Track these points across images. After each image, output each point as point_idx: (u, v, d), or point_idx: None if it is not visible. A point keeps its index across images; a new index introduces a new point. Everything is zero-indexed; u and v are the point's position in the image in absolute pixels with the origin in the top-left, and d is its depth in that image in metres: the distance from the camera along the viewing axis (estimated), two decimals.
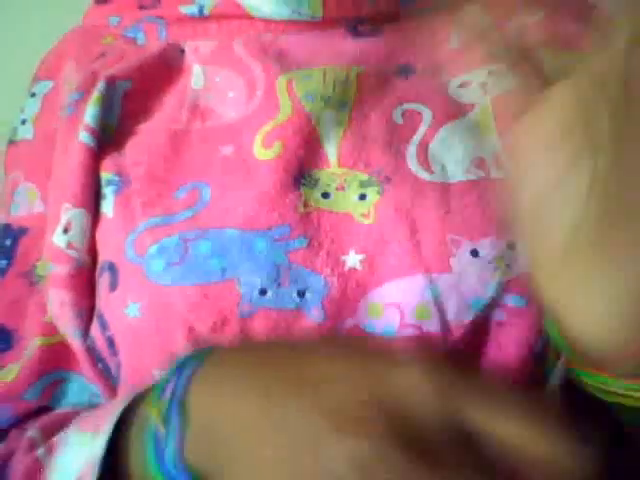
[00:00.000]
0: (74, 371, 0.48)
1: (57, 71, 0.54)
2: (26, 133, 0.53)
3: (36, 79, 0.56)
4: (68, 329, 0.48)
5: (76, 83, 0.51)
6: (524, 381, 0.44)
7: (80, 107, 0.50)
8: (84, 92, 0.50)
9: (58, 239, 0.48)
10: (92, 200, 0.49)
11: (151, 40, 0.52)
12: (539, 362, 0.44)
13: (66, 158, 0.49)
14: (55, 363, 0.48)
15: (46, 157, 0.51)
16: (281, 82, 0.48)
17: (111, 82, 0.50)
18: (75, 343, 0.47)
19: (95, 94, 0.50)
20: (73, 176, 0.48)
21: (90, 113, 0.49)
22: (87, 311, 0.48)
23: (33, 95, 0.55)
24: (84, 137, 0.49)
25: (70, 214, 0.48)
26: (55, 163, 0.50)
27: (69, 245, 0.48)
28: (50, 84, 0.54)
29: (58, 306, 0.48)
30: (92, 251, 0.48)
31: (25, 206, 0.52)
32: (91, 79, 0.51)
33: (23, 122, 0.54)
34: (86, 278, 0.48)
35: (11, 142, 0.54)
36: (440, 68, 0.50)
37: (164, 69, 0.51)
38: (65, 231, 0.48)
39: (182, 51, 0.52)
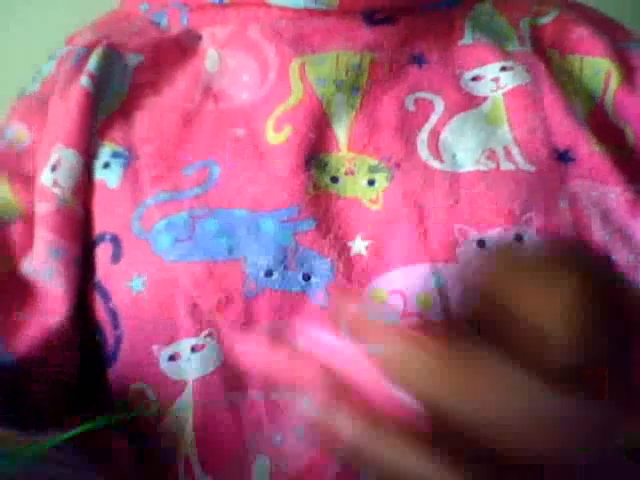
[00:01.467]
0: None
1: (77, 38, 0.54)
2: (33, 88, 0.53)
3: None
4: (42, 268, 0.46)
5: (87, 41, 0.51)
6: None
7: (84, 58, 0.50)
8: (91, 48, 0.50)
9: (45, 177, 0.47)
10: (86, 145, 0.48)
11: (173, 25, 0.53)
12: None
13: (64, 102, 0.49)
14: None
15: (44, 103, 0.50)
16: (294, 66, 0.48)
17: (120, 49, 0.50)
18: (46, 284, 0.46)
19: (101, 46, 0.50)
20: (69, 117, 0.48)
21: (93, 62, 0.49)
22: (66, 253, 0.46)
23: (52, 57, 0.54)
24: (85, 81, 0.48)
25: (61, 153, 0.47)
26: (52, 107, 0.50)
27: (55, 183, 0.47)
28: (68, 49, 0.54)
29: (37, 242, 0.47)
30: (80, 197, 0.47)
31: (7, 142, 0.51)
32: (100, 40, 0.51)
33: (34, 80, 0.54)
34: (69, 220, 0.47)
35: (18, 98, 0.54)
36: (453, 61, 0.50)
37: (178, 50, 0.51)
38: (53, 169, 0.47)
39: (200, 37, 0.52)
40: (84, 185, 0.48)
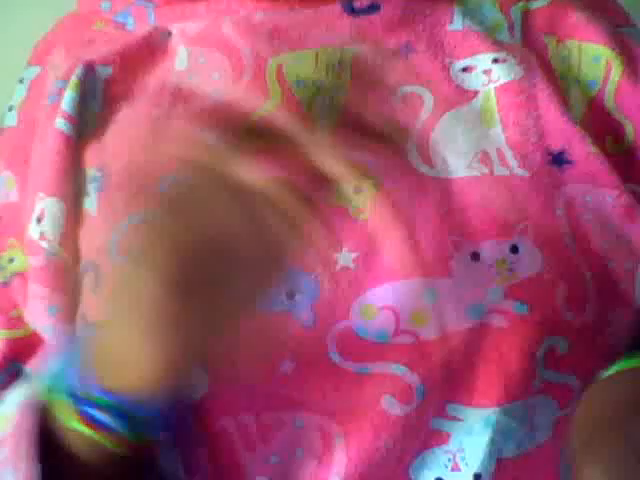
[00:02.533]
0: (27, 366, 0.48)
1: (45, 57, 0.52)
2: (11, 120, 0.51)
3: (27, 65, 0.54)
4: (39, 324, 0.46)
5: (62, 71, 0.49)
6: (525, 389, 0.42)
7: (61, 95, 0.48)
8: (67, 80, 0.48)
9: (32, 230, 0.46)
10: (68, 190, 0.46)
11: (140, 24, 0.50)
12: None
13: (43, 147, 0.47)
14: (14, 357, 0.47)
15: (27, 145, 0.49)
16: (271, 66, 0.45)
17: (90, 68, 0.48)
18: (46, 339, 0.46)
19: (73, 79, 0.47)
20: (48, 164, 0.46)
21: (67, 99, 0.47)
22: (62, 308, 0.46)
23: (21, 81, 0.53)
24: (60, 124, 0.47)
25: (43, 203, 0.46)
26: (34, 152, 0.48)
27: (42, 236, 0.46)
28: (37, 70, 0.52)
29: (32, 299, 0.46)
30: (69, 245, 0.46)
31: (3, 194, 0.50)
32: (75, 67, 0.48)
33: (10, 109, 0.52)
34: (60, 272, 0.46)
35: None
36: (443, 48, 0.47)
37: (148, 53, 0.48)
38: (38, 221, 0.46)
39: (169, 34, 0.49)
40: (71, 232, 0.46)
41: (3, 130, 0.52)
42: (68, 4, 0.54)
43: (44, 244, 0.46)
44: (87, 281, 0.45)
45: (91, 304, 0.45)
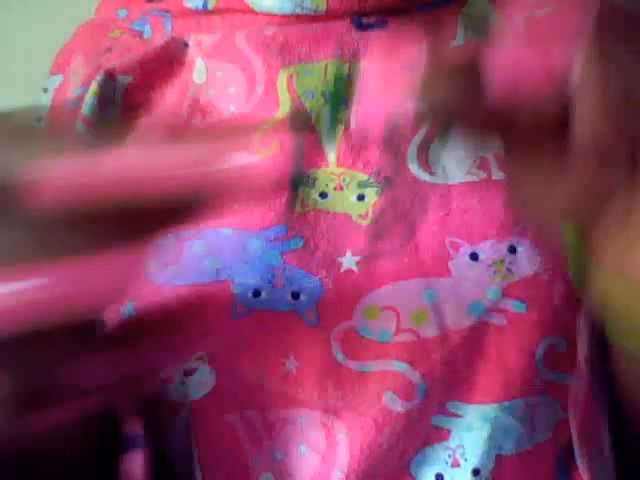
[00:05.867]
0: None
1: (66, 65, 0.54)
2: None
3: (50, 75, 0.56)
4: None
5: (82, 77, 0.51)
6: (525, 388, 0.43)
7: (81, 100, 0.49)
8: (87, 86, 0.50)
9: None
10: None
11: (157, 34, 0.52)
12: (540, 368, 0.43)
13: None
14: None
15: None
16: (282, 77, 0.47)
17: (111, 75, 0.50)
18: None
19: (93, 85, 0.49)
20: None
21: (88, 104, 0.49)
22: None
23: (45, 90, 0.55)
24: (81, 129, 0.48)
25: None
26: None
27: None
28: (60, 78, 0.54)
29: None
30: None
31: None
32: (94, 74, 0.50)
33: (38, 120, 0.54)
34: None
35: None
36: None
37: (166, 62, 0.50)
38: None
39: (186, 45, 0.51)
40: None
41: None
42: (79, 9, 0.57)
43: None
44: None
45: None
